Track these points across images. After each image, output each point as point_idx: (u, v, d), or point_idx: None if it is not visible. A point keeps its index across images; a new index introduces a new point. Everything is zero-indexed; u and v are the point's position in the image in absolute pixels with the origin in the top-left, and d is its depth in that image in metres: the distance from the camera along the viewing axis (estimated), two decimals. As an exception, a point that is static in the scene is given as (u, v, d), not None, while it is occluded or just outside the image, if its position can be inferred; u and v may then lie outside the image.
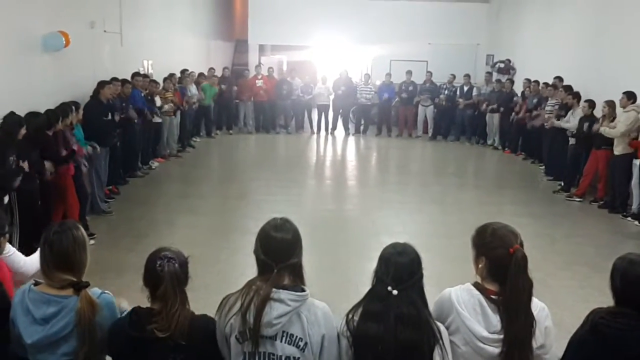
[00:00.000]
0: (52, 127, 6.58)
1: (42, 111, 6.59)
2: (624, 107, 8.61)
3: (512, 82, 14.31)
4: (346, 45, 18.41)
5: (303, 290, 2.33)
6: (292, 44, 18.97)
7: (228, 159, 13.24)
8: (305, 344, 2.29)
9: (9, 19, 6.77)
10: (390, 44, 17.31)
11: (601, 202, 9.09)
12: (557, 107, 10.98)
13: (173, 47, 13.73)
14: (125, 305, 2.65)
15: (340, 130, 16.13)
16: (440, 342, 2.28)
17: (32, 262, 3.45)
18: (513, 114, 13.26)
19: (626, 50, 9.55)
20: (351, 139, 15.68)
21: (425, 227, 8.06)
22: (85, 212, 7.30)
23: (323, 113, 15.87)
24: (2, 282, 2.90)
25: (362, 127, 16.07)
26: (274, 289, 2.28)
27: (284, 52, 20.15)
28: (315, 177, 11.66)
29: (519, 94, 13.65)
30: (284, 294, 2.27)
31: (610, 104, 8.87)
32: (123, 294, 2.96)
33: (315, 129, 15.96)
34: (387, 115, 16.08)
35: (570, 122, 10.11)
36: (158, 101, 10.97)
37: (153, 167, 10.96)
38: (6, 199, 5.58)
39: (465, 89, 15.01)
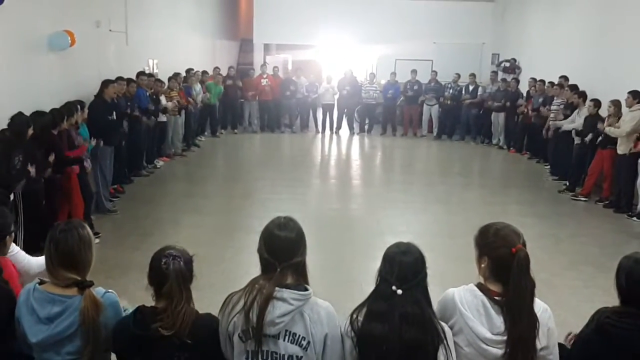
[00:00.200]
0: (58, 127, 6.61)
1: (48, 110, 6.62)
2: (629, 106, 8.59)
3: (517, 81, 14.28)
4: (351, 44, 18.40)
5: (306, 290, 2.33)
6: (297, 43, 18.98)
7: (233, 158, 13.25)
8: (308, 343, 2.29)
9: (15, 19, 6.79)
10: (395, 43, 17.29)
11: (606, 202, 9.06)
12: (562, 106, 10.96)
13: (178, 47, 13.76)
14: (125, 304, 2.65)
15: (345, 130, 16.12)
16: (445, 341, 2.28)
17: (35, 261, 3.46)
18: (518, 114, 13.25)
19: (632, 49, 9.51)
20: (356, 138, 15.68)
21: (429, 226, 8.05)
22: (90, 211, 7.32)
23: (328, 112, 15.87)
24: (8, 281, 2.91)
25: (366, 127, 16.05)
26: (277, 288, 2.28)
27: (289, 51, 20.15)
28: (320, 177, 11.65)
29: (524, 94, 13.63)
30: (286, 293, 2.27)
31: (616, 104, 8.85)
32: (128, 292, 2.97)
33: (320, 128, 15.96)
34: (392, 114, 16.06)
35: (576, 121, 10.09)
36: (163, 100, 10.99)
37: (158, 166, 10.98)
38: (11, 197, 5.59)
39: (471, 88, 14.97)
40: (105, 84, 8.41)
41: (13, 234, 3.16)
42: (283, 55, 20.13)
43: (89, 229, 2.63)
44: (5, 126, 5.87)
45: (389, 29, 17.28)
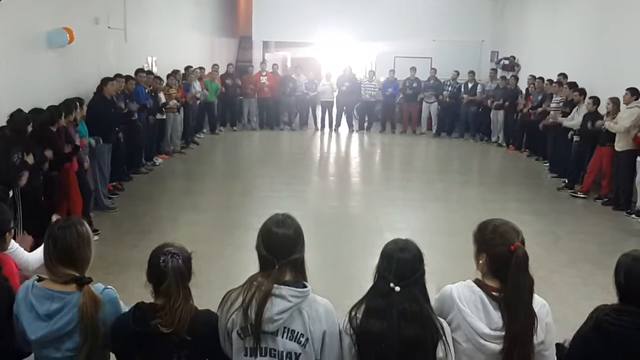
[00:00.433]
0: (55, 123, 6.60)
1: (46, 107, 6.61)
2: (627, 103, 8.58)
3: (516, 78, 14.27)
4: (350, 41, 18.38)
5: (304, 286, 2.33)
6: (296, 40, 18.95)
7: (232, 155, 13.24)
8: (307, 339, 2.30)
9: (13, 16, 6.78)
10: (395, 41, 17.27)
11: (605, 199, 9.06)
12: (561, 104, 10.96)
13: (177, 44, 13.74)
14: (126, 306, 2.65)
15: (344, 127, 16.11)
16: (444, 337, 2.29)
17: (33, 257, 3.46)
18: (517, 111, 13.24)
19: (631, 47, 9.50)
20: (355, 136, 15.67)
21: (428, 224, 8.06)
22: (89, 208, 7.32)
23: (327, 110, 15.86)
24: (8, 278, 2.91)
25: (366, 124, 16.04)
26: (275, 285, 2.28)
27: (288, 48, 20.12)
28: (319, 174, 11.65)
29: (524, 91, 13.62)
30: (285, 290, 2.28)
31: (615, 101, 8.84)
32: (127, 289, 2.97)
33: (319, 126, 15.95)
34: (391, 112, 16.04)
35: (575, 119, 10.09)
36: (162, 97, 10.98)
37: (157, 164, 10.97)
38: (10, 194, 5.59)
39: (470, 85, 14.97)
40: (105, 81, 8.41)
41: (12, 231, 3.16)
42: (282, 53, 20.10)
43: (87, 225, 2.63)
44: (4, 123, 5.87)
45: (388, 26, 17.26)
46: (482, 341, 2.35)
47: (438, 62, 16.32)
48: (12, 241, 3.33)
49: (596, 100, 9.52)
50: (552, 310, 2.47)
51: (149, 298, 2.44)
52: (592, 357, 2.45)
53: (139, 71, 10.28)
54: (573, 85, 10.67)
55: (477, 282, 2.46)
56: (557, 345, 2.55)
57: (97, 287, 2.53)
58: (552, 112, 11.22)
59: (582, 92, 10.22)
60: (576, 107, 10.21)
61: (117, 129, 8.62)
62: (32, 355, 2.60)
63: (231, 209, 8.46)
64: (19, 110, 5.93)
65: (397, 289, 2.25)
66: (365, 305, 2.32)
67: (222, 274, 5.67)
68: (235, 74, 15.56)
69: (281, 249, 2.33)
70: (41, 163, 6.15)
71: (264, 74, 15.33)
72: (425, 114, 15.78)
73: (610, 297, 2.55)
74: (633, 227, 8.09)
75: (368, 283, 2.41)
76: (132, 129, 9.44)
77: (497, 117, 14.14)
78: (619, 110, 8.79)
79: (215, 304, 2.46)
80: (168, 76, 11.65)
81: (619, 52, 9.91)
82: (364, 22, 17.50)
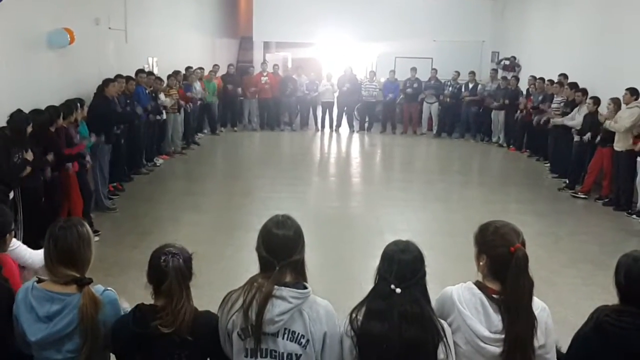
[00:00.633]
0: (55, 124, 6.59)
1: (45, 108, 6.61)
2: (627, 103, 8.58)
3: (517, 79, 14.26)
4: (351, 42, 18.37)
5: (305, 288, 2.33)
6: (296, 41, 18.95)
7: (232, 156, 13.24)
8: (307, 341, 2.29)
9: (14, 16, 6.78)
10: (395, 41, 17.26)
11: (606, 200, 9.06)
12: (562, 104, 10.95)
13: (178, 44, 13.74)
14: (126, 305, 2.65)
15: (344, 128, 16.11)
16: (445, 339, 2.28)
17: (38, 255, 3.45)
18: (518, 111, 13.23)
19: (631, 47, 9.49)
20: (355, 136, 15.66)
21: (429, 224, 8.05)
22: (90, 209, 7.32)
23: (328, 110, 15.85)
24: (8, 278, 2.91)
25: (366, 124, 16.03)
26: (275, 286, 2.28)
27: (288, 49, 20.13)
28: (320, 175, 11.65)
29: (524, 91, 13.61)
30: (285, 291, 2.27)
31: (616, 101, 8.84)
32: (127, 290, 2.96)
33: (319, 126, 15.94)
34: (392, 112, 16.03)
35: (575, 119, 10.08)
36: (162, 98, 10.98)
37: (157, 164, 10.97)
38: (11, 195, 5.59)
39: (470, 86, 14.96)
40: (106, 82, 8.41)
41: (13, 232, 3.16)
42: (283, 53, 20.11)
43: (88, 226, 2.63)
44: (4, 123, 5.87)
45: (389, 26, 17.25)
46: (482, 344, 2.34)
47: (438, 62, 16.31)
48: (14, 239, 3.33)
49: (597, 101, 9.52)
50: (552, 311, 2.47)
51: (149, 299, 2.43)
52: (592, 358, 2.45)
53: (140, 72, 10.28)
54: (574, 86, 10.66)
55: (478, 284, 2.45)
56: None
57: (97, 288, 2.53)
58: (553, 113, 11.22)
59: (584, 92, 10.22)
60: (577, 107, 10.21)
61: (116, 128, 8.62)
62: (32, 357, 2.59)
63: (232, 210, 8.46)
64: (19, 111, 5.93)
65: (398, 290, 2.25)
66: (366, 307, 2.32)
67: (222, 275, 5.67)
68: (236, 74, 15.55)
69: (281, 250, 2.33)
70: (42, 164, 6.15)
71: (264, 74, 15.32)
72: (426, 114, 15.78)
73: (611, 297, 2.55)
74: (634, 227, 8.08)
75: (369, 284, 2.40)
76: (132, 130, 9.44)
77: (498, 117, 14.13)
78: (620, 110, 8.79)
79: (216, 305, 2.46)
80: (168, 77, 11.64)
81: (619, 53, 9.90)
82: (365, 22, 17.50)
